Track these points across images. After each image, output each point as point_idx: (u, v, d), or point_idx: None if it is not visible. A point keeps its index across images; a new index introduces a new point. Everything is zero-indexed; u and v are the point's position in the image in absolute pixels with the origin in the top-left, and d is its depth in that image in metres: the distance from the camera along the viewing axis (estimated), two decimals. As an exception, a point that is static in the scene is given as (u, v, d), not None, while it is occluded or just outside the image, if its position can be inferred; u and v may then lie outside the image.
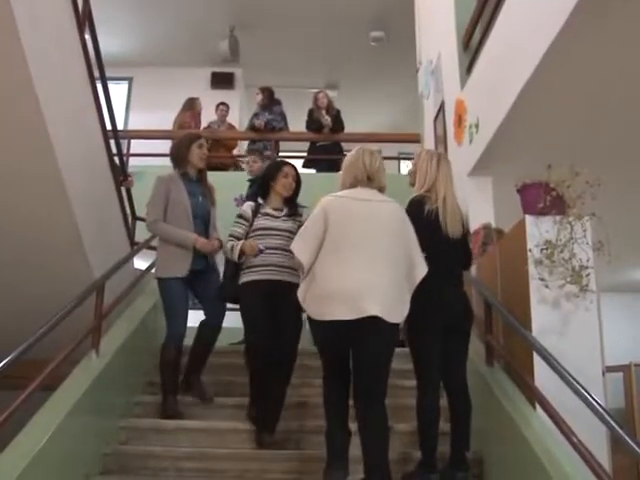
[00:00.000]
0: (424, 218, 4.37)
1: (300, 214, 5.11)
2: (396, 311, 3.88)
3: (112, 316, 5.26)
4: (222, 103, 11.25)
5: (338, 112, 10.32)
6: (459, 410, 4.35)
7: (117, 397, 5.02)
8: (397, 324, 3.90)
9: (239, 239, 4.97)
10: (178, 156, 5.40)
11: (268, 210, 5.08)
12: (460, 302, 4.45)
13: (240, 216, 5.09)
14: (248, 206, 5.14)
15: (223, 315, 5.41)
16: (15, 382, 3.58)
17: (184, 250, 5.17)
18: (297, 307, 4.13)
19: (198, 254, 5.22)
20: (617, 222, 4.39)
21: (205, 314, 5.39)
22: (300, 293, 4.00)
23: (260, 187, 5.27)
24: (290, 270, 4.83)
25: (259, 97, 10.53)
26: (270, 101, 10.52)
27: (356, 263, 3.87)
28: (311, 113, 10.30)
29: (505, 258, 4.96)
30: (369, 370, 3.86)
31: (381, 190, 4.25)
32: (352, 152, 4.46)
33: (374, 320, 3.74)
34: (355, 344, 3.85)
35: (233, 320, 5.84)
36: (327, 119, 10.06)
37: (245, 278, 4.97)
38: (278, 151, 10.46)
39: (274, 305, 4.83)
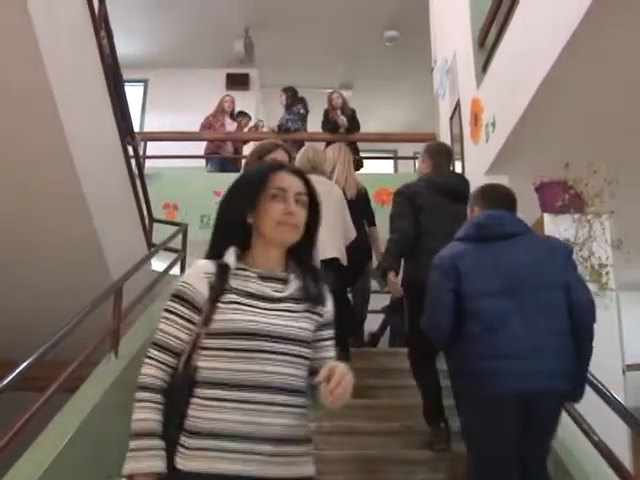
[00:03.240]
0: None
1: (322, 301, 2.20)
2: (344, 258, 5.24)
3: (130, 318, 5.27)
4: (245, 115, 11.30)
5: (353, 112, 10.30)
6: None
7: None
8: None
9: (168, 367, 2.09)
10: None
11: (253, 283, 2.10)
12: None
13: (177, 297, 2.08)
14: (199, 272, 2.10)
15: None
16: (35, 384, 3.60)
17: None
18: None
19: None
20: (636, 219, 4.36)
21: None
22: None
23: (221, 227, 2.24)
24: (299, 454, 2.21)
25: (282, 98, 10.58)
26: (293, 101, 10.54)
27: (325, 228, 4.79)
28: (326, 114, 10.29)
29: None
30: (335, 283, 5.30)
31: (325, 175, 5.63)
32: (301, 150, 5.78)
33: (334, 260, 5.03)
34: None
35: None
36: (343, 119, 10.05)
37: (190, 463, 1.94)
38: (298, 149, 10.52)
39: None
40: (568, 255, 3.38)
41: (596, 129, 5.32)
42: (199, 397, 1.99)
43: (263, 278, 2.10)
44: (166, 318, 2.07)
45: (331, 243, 5.14)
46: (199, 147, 10.82)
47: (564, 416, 3.80)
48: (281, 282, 2.14)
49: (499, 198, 3.55)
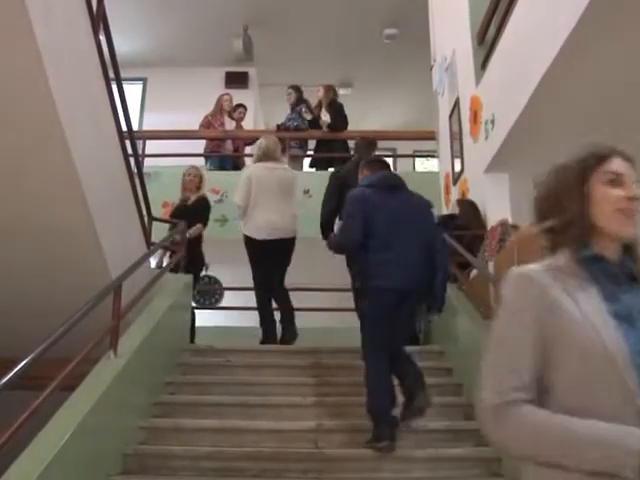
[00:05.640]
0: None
1: None
2: (294, 234, 6.82)
3: (130, 316, 5.27)
4: (241, 105, 11.32)
5: (340, 107, 10.28)
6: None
7: (136, 397, 5.03)
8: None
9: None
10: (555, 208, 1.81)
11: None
12: None
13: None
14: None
15: None
16: (33, 382, 3.59)
17: None
18: None
19: None
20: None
21: None
22: (242, 224, 6.85)
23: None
24: None
25: (291, 96, 10.60)
26: (297, 102, 10.56)
27: (272, 207, 6.65)
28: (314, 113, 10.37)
29: (523, 254, 4.92)
30: (283, 265, 6.83)
31: (277, 161, 7.03)
32: (260, 139, 7.34)
33: (286, 239, 6.72)
34: (276, 253, 6.66)
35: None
36: (324, 120, 10.11)
37: None
38: (300, 147, 10.60)
39: None
40: (430, 206, 5.07)
41: (595, 125, 5.31)
42: None
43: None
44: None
45: (292, 223, 6.76)
46: (198, 145, 10.83)
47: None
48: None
49: (382, 164, 5.40)
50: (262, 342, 6.67)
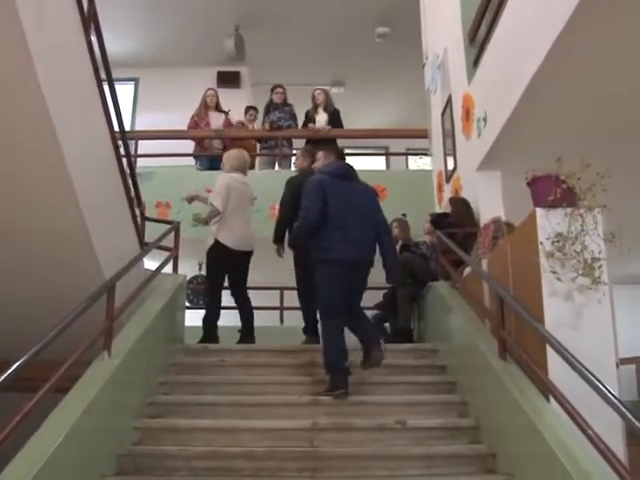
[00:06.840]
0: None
1: None
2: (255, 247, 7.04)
3: (123, 317, 5.26)
4: (252, 108, 11.30)
5: (337, 111, 10.28)
6: None
7: (130, 397, 5.01)
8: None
9: None
10: None
11: None
12: None
13: None
14: None
15: None
16: (27, 384, 3.57)
17: None
18: None
19: None
20: (628, 213, 4.37)
21: None
22: (214, 228, 6.80)
23: None
24: None
25: (284, 94, 10.59)
26: (285, 101, 10.57)
27: (243, 220, 6.96)
28: (307, 114, 10.35)
29: (516, 252, 4.94)
30: (246, 275, 7.08)
31: (246, 176, 7.25)
32: (236, 150, 7.50)
33: (251, 252, 6.98)
34: (242, 263, 6.97)
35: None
36: (322, 116, 10.11)
37: None
38: (290, 147, 10.59)
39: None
40: (375, 194, 5.94)
41: (588, 123, 5.32)
42: None
43: None
44: None
45: (253, 237, 7.03)
46: (191, 145, 10.80)
47: (560, 412, 3.81)
48: None
49: (338, 155, 6.14)
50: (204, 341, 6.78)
